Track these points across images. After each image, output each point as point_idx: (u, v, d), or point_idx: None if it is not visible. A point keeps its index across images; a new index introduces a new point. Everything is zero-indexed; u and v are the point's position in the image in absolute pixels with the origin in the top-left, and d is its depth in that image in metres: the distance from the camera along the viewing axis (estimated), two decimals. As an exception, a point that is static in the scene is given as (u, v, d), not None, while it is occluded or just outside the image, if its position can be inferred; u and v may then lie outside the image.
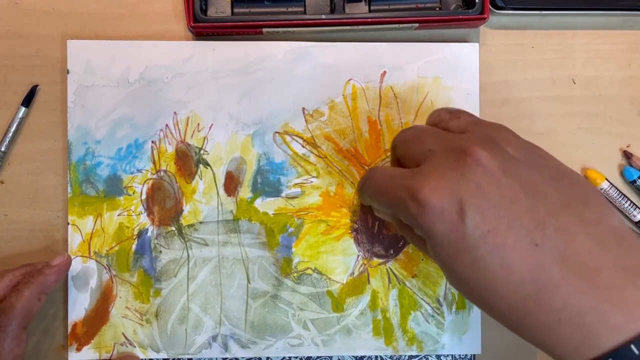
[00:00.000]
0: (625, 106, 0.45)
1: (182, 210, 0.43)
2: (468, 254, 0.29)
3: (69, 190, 0.42)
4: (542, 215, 0.28)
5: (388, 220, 0.37)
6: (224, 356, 0.43)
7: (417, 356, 0.44)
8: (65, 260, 0.40)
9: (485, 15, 0.41)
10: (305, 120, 0.43)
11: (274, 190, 0.43)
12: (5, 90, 0.43)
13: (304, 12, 0.42)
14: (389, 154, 0.43)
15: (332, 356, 0.43)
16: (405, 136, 0.34)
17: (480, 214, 0.28)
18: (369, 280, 0.43)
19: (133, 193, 0.42)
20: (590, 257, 0.28)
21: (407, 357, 0.44)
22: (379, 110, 0.43)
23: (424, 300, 0.43)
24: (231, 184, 0.43)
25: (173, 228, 0.43)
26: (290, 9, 0.42)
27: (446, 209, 0.29)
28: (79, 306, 0.42)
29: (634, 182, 0.44)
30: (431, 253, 0.31)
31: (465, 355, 0.44)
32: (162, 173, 0.43)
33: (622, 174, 0.45)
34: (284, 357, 0.43)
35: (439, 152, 0.31)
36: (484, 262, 0.28)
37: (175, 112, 0.43)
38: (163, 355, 0.42)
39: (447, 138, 0.32)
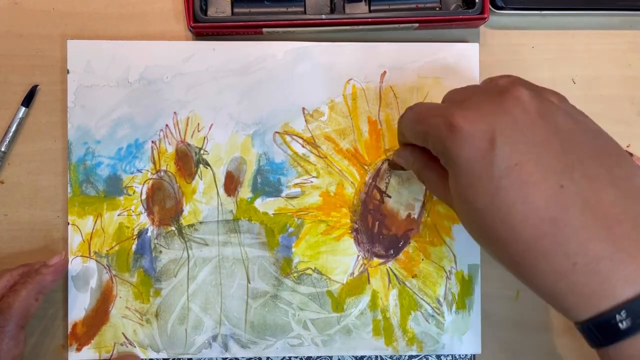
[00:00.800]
0: (625, 106, 0.45)
1: (182, 210, 0.43)
2: (490, 183, 0.29)
3: (69, 190, 0.42)
4: (572, 160, 0.28)
5: (408, 164, 0.38)
6: (224, 356, 0.43)
7: (417, 356, 0.44)
8: (63, 260, 0.40)
9: (485, 15, 0.41)
10: (305, 120, 0.43)
11: (274, 190, 0.43)
12: (5, 90, 0.43)
13: (304, 12, 0.42)
14: (389, 153, 0.43)
15: (332, 356, 0.43)
16: (459, 89, 0.35)
17: (511, 146, 0.28)
18: (369, 280, 0.43)
19: (133, 193, 0.42)
20: (613, 208, 0.28)
21: (407, 357, 0.44)
22: (379, 110, 0.43)
23: (424, 300, 0.43)
24: (231, 184, 0.43)
25: (173, 228, 0.43)
26: (290, 9, 0.42)
27: (477, 136, 0.29)
28: (79, 306, 0.42)
29: (634, 182, 0.44)
30: (451, 183, 0.31)
31: (465, 355, 0.44)
32: (162, 173, 0.43)
33: (622, 174, 0.45)
34: (284, 357, 0.43)
35: (482, 92, 0.31)
36: (505, 194, 0.28)
37: (175, 112, 0.43)
38: (163, 355, 0.42)
39: (493, 84, 0.32)
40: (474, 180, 0.29)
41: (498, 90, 0.31)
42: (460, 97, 0.33)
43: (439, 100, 0.43)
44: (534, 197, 0.28)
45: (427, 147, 0.33)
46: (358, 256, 0.43)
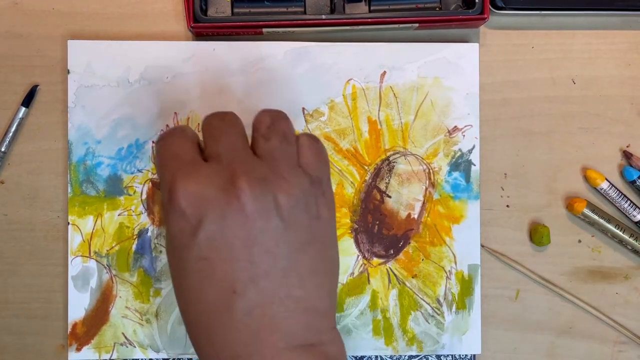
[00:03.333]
0: (625, 106, 0.45)
1: (182, 210, 0.43)
2: (180, 263, 0.30)
3: (69, 190, 0.42)
4: (257, 272, 0.29)
5: None
6: (224, 356, 0.43)
7: (417, 356, 0.44)
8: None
9: (485, 15, 0.41)
10: (305, 120, 0.43)
11: (274, 190, 0.43)
12: (5, 90, 0.43)
13: (304, 12, 0.42)
14: (388, 153, 0.43)
15: (332, 356, 0.43)
16: (213, 121, 0.34)
17: (208, 240, 0.29)
18: (368, 280, 0.43)
19: (133, 193, 0.42)
20: (267, 321, 0.29)
21: (407, 357, 0.44)
22: (379, 110, 0.43)
23: (424, 300, 0.43)
24: (231, 184, 0.43)
25: (173, 228, 0.43)
26: (290, 9, 0.42)
27: (187, 215, 0.29)
28: (79, 306, 0.42)
29: (633, 182, 0.44)
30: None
31: (465, 355, 0.44)
32: (162, 173, 0.43)
33: (622, 174, 0.45)
34: (284, 357, 0.43)
35: (221, 162, 0.31)
36: (188, 281, 0.30)
37: (175, 112, 0.43)
38: (163, 355, 0.42)
39: (239, 154, 0.31)
40: (172, 252, 0.31)
41: (231, 173, 0.30)
42: (207, 140, 0.32)
43: (438, 100, 0.43)
44: (206, 294, 0.30)
45: None
46: (358, 256, 0.43)
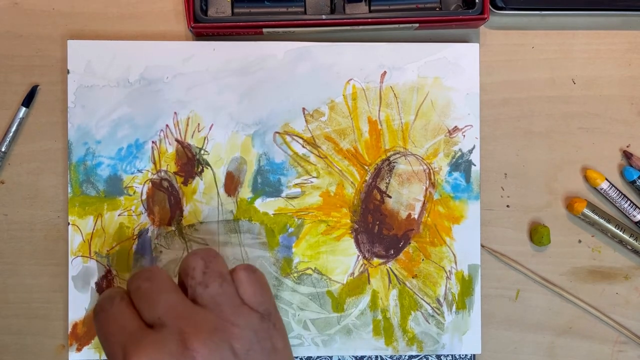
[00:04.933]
0: (625, 106, 0.45)
1: (182, 211, 0.43)
2: None
3: (69, 190, 0.42)
4: None
5: None
6: (224, 356, 0.43)
7: (417, 356, 0.44)
8: None
9: (485, 16, 0.41)
10: (306, 120, 0.43)
11: (274, 190, 0.43)
12: (5, 90, 0.43)
13: (304, 12, 0.42)
14: (389, 153, 0.43)
15: (332, 356, 0.44)
16: (140, 283, 0.32)
17: None
18: (369, 280, 0.43)
19: (133, 193, 0.42)
20: None
21: (407, 357, 0.44)
22: (379, 110, 0.43)
23: (424, 301, 0.43)
24: (231, 184, 0.43)
25: (173, 228, 0.43)
26: (290, 9, 0.42)
27: None
28: (79, 306, 0.42)
29: (633, 182, 0.44)
30: None
31: (465, 355, 0.44)
32: (162, 173, 0.43)
33: (622, 174, 0.45)
34: (284, 357, 0.43)
35: (167, 327, 0.30)
36: None
37: (175, 112, 0.43)
38: (163, 355, 0.42)
39: (180, 311, 0.31)
40: None
41: (180, 335, 0.29)
42: (143, 308, 0.31)
43: (438, 100, 0.43)
44: None
45: None
46: (358, 256, 0.43)
